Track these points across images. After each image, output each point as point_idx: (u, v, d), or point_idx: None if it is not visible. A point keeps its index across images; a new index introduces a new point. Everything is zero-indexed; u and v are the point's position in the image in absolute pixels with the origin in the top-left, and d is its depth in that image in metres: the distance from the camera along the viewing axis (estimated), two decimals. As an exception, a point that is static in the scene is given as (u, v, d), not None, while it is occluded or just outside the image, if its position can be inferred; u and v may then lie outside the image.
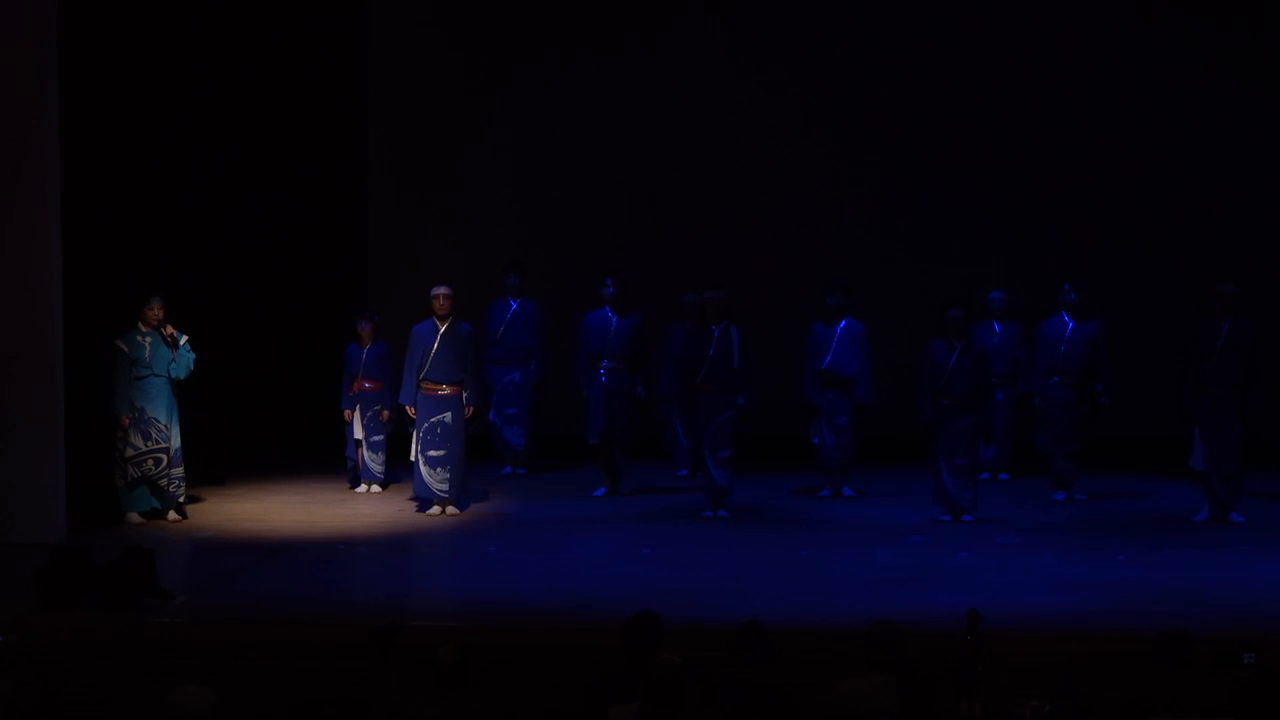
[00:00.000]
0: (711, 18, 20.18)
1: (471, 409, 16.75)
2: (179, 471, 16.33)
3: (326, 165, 20.20)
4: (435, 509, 16.60)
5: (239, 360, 18.90)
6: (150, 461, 16.22)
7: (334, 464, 17.99)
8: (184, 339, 16.30)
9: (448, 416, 16.56)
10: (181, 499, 16.41)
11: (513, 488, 17.98)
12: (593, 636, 11.49)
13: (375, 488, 17.67)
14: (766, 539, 15.78)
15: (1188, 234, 19.56)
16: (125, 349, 16.21)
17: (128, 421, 16.18)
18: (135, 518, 16.19)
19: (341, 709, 8.46)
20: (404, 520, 16.51)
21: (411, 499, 16.99)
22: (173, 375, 16.27)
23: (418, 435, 16.53)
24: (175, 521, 16.22)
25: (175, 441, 16.29)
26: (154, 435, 16.23)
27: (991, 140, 19.79)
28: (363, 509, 16.97)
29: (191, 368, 16.31)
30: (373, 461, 17.67)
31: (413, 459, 16.62)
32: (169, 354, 16.27)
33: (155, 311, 16.28)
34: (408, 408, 16.70)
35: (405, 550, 15.46)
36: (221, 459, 18.06)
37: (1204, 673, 9.04)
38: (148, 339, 16.27)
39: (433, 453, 16.54)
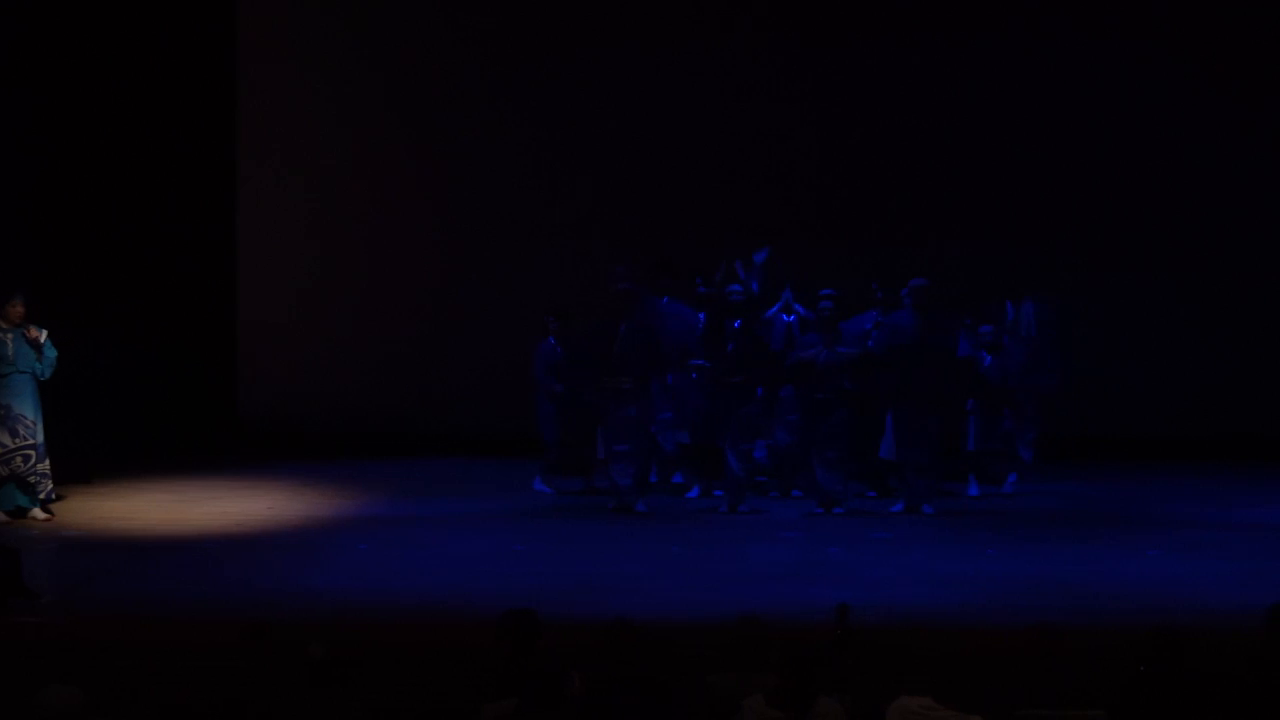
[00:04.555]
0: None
1: None
2: (44, 467, 16.18)
3: (196, 157, 20.07)
4: None
5: (107, 357, 18.74)
6: (19, 459, 16.06)
7: (205, 462, 17.85)
8: (44, 334, 16.15)
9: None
10: (46, 497, 16.25)
11: (387, 486, 17.87)
12: (467, 634, 11.46)
13: None
14: (640, 535, 15.82)
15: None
16: (-14, 347, 16.06)
17: (-11, 421, 16.03)
18: (1, 516, 16.01)
19: (214, 709, 8.40)
20: (274, 518, 16.43)
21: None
22: (39, 375, 16.11)
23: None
24: (43, 520, 16.06)
25: (40, 437, 16.13)
26: (21, 432, 16.07)
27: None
28: (232, 507, 16.87)
29: (55, 365, 16.16)
30: None
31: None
32: (31, 351, 16.10)
33: (17, 309, 16.12)
34: None
35: (276, 548, 15.37)
36: (89, 457, 17.89)
37: (1074, 666, 9.13)
38: (9, 335, 16.10)
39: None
